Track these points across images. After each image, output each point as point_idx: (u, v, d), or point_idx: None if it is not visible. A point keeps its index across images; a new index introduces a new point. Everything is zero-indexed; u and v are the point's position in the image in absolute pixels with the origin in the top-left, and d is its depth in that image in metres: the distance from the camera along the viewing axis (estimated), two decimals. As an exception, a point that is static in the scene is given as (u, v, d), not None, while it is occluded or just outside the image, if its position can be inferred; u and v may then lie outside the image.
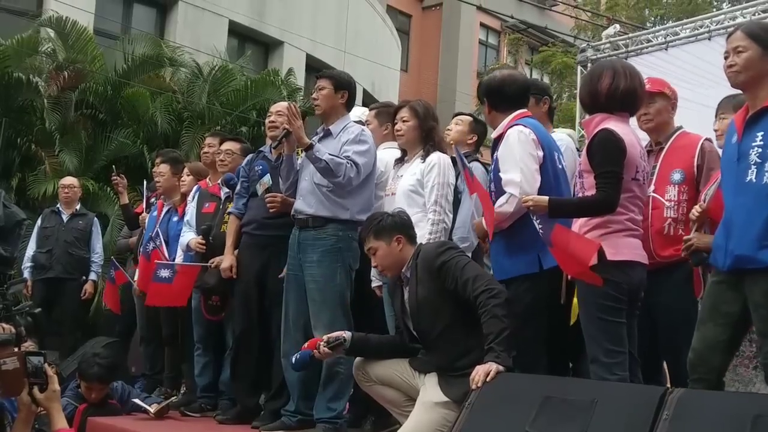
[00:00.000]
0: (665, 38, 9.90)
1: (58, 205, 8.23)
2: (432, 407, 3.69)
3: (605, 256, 3.44)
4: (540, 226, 3.53)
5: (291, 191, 4.80)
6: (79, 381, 5.53)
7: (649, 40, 10.15)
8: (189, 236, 5.77)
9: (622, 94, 3.62)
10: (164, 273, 5.63)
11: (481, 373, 3.39)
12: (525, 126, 3.88)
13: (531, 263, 3.77)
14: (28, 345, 6.56)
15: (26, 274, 7.90)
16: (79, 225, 8.21)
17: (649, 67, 8.98)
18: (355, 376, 4.13)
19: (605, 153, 3.51)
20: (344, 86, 4.76)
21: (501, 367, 3.39)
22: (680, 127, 4.36)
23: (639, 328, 3.72)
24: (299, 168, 4.78)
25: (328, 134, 4.72)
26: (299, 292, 4.61)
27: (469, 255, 4.60)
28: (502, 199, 3.83)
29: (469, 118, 5.41)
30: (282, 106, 5.14)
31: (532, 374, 3.48)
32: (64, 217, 8.15)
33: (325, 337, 4.01)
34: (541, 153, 3.84)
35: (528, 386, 3.28)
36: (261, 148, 5.33)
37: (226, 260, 5.20)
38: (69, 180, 8.48)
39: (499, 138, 3.96)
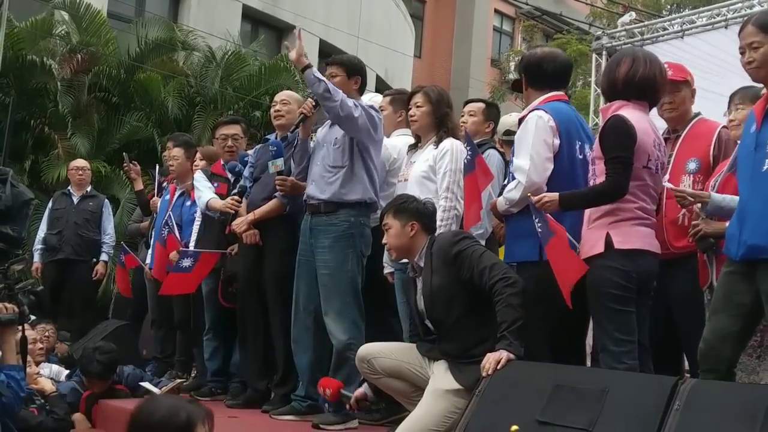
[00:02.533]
0: (681, 26, 9.85)
1: (69, 188, 8.23)
2: (442, 395, 3.68)
3: (613, 244, 3.43)
4: (539, 228, 3.53)
5: (302, 175, 4.80)
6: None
7: (665, 28, 10.10)
8: (208, 195, 5.61)
9: (639, 81, 3.58)
10: (186, 263, 5.54)
11: (492, 360, 3.38)
12: (546, 111, 3.81)
13: (532, 250, 3.74)
14: (47, 328, 6.65)
15: (37, 256, 7.94)
16: (89, 206, 8.21)
17: (664, 55, 8.85)
18: (359, 369, 4.07)
19: (614, 139, 3.49)
20: (357, 71, 4.74)
21: (512, 355, 3.38)
22: (698, 114, 4.30)
23: (654, 318, 3.70)
24: (312, 151, 4.77)
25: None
26: (310, 278, 4.61)
27: (483, 242, 4.59)
28: (510, 185, 3.82)
29: (482, 105, 5.36)
30: (286, 94, 5.15)
31: (543, 363, 3.46)
32: (75, 199, 8.16)
33: (352, 400, 4.06)
34: (557, 141, 3.78)
35: (538, 375, 3.27)
36: (267, 136, 5.32)
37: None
38: (80, 162, 8.50)
39: (523, 119, 3.93)
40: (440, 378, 3.75)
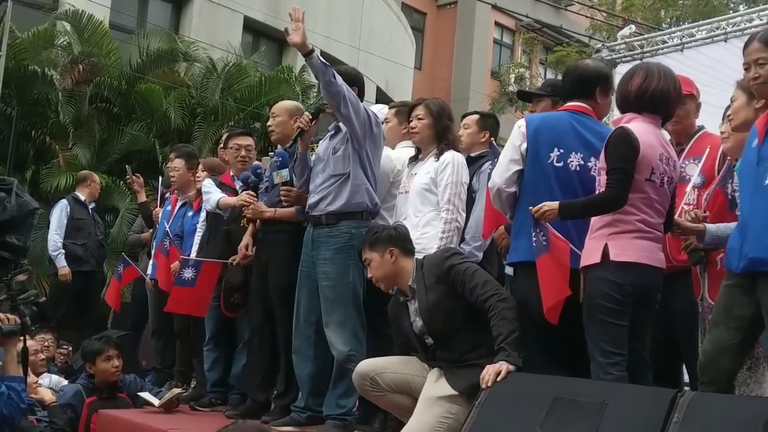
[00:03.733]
0: (681, 39, 9.85)
1: (82, 197, 8.22)
2: (434, 401, 3.69)
3: (609, 255, 3.44)
4: (535, 240, 3.55)
5: (304, 189, 4.81)
6: (93, 368, 5.54)
7: (664, 41, 10.10)
8: (218, 194, 5.65)
9: (652, 94, 3.57)
10: (187, 274, 5.52)
11: (491, 372, 3.39)
12: (525, 119, 3.92)
13: (528, 251, 3.73)
14: (46, 338, 6.66)
15: (62, 260, 7.89)
16: (98, 219, 8.34)
17: (664, 68, 8.93)
18: (359, 388, 4.04)
19: (616, 150, 3.50)
20: (354, 82, 4.74)
21: (511, 367, 3.40)
22: (702, 128, 4.31)
23: (654, 330, 3.71)
24: (312, 165, 4.78)
25: (338, 131, 4.72)
26: (311, 289, 4.62)
27: (480, 255, 4.61)
28: None
29: (475, 116, 5.37)
30: (275, 107, 5.22)
31: (542, 374, 3.46)
32: (90, 210, 8.22)
33: None
34: (524, 145, 3.81)
35: (538, 386, 3.28)
36: (276, 150, 5.32)
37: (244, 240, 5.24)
38: (96, 176, 8.55)
39: None
40: (432, 385, 3.77)
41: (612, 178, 3.48)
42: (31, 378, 5.07)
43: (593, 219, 3.61)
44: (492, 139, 5.23)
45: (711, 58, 8.94)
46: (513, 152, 3.83)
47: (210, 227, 5.80)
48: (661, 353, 3.77)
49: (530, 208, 3.62)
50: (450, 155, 4.53)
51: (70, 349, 7.60)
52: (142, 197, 7.89)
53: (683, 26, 12.06)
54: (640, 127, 3.54)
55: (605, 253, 3.45)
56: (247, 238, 5.26)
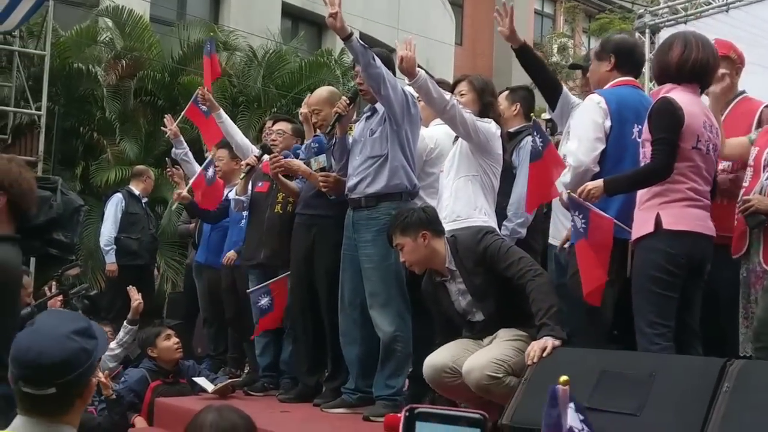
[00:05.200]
0: (725, 0, 9.62)
1: (137, 192, 8.35)
2: (506, 338, 3.73)
3: (662, 224, 3.39)
4: (576, 224, 3.52)
5: (343, 172, 4.83)
6: (154, 351, 5.68)
7: (709, 2, 9.88)
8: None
9: (692, 65, 3.55)
10: (264, 301, 5.52)
11: (536, 348, 3.38)
12: (600, 95, 3.86)
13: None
14: (106, 330, 6.81)
15: (111, 256, 8.01)
16: (151, 213, 8.46)
17: (709, 30, 8.72)
18: (436, 383, 3.94)
19: (660, 120, 3.48)
20: (386, 65, 4.73)
21: (557, 341, 3.38)
22: (743, 92, 4.23)
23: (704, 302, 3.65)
24: (351, 146, 4.79)
25: (374, 112, 4.72)
26: (355, 272, 4.64)
27: (524, 231, 4.59)
28: (564, 171, 3.84)
29: (504, 92, 5.30)
30: (314, 101, 5.23)
31: (588, 348, 3.44)
32: (144, 205, 8.35)
33: None
34: (608, 123, 3.79)
35: (584, 360, 3.25)
36: (317, 135, 5.34)
37: None
38: (150, 171, 8.67)
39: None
40: (503, 333, 3.80)
41: (657, 149, 3.44)
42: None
43: (640, 191, 3.57)
44: (523, 110, 5.16)
45: (757, 17, 8.74)
46: (597, 130, 3.79)
47: (251, 215, 5.87)
48: (708, 324, 3.70)
49: (569, 192, 3.59)
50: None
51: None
52: (183, 188, 8.00)
53: (728, -14, 11.74)
54: (682, 96, 3.51)
55: (658, 222, 3.42)
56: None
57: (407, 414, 1.73)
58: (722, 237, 3.73)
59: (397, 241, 4.00)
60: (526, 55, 4.31)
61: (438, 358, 3.91)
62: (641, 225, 3.49)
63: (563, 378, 2.90)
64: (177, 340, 5.76)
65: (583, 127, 3.81)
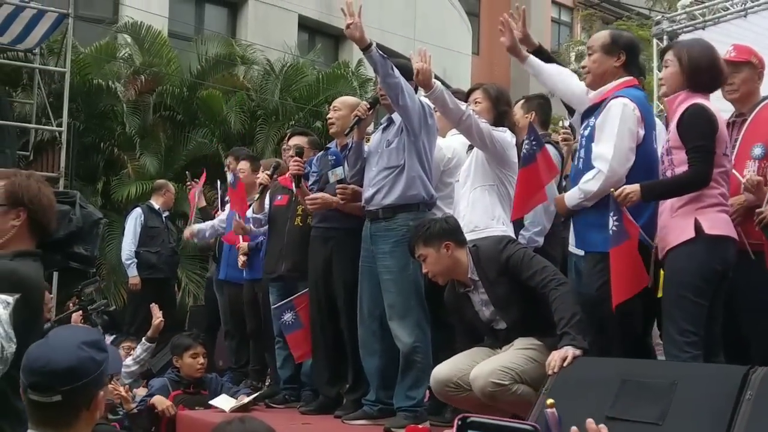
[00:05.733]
0: (743, 5, 9.56)
1: (156, 206, 8.40)
2: (521, 348, 3.72)
3: (703, 229, 3.38)
4: (614, 226, 3.48)
5: (357, 178, 4.84)
6: (179, 361, 5.73)
7: (726, 8, 9.81)
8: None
9: (719, 72, 3.61)
10: (287, 316, 5.45)
11: (557, 358, 3.36)
12: (631, 100, 3.74)
13: (606, 242, 3.69)
14: (131, 345, 6.86)
15: (133, 269, 8.07)
16: (172, 227, 8.51)
17: (727, 35, 8.69)
18: (442, 395, 3.97)
19: (697, 128, 3.46)
20: (406, 77, 4.74)
21: (577, 351, 3.36)
22: (766, 97, 4.20)
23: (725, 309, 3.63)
24: (367, 157, 4.80)
25: (391, 123, 4.73)
26: (373, 283, 4.64)
27: (541, 240, 4.57)
28: (588, 175, 3.73)
29: (519, 102, 5.29)
30: (338, 101, 5.25)
31: (609, 357, 3.42)
32: (164, 219, 8.40)
33: None
34: (642, 132, 3.73)
35: (605, 370, 3.23)
36: (329, 145, 5.37)
37: None
38: (172, 186, 8.73)
39: (598, 104, 3.83)
40: (518, 342, 3.79)
41: (695, 156, 3.43)
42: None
43: (669, 201, 3.55)
44: (539, 118, 5.13)
45: (776, 21, 8.67)
46: (632, 139, 3.70)
47: (270, 230, 5.89)
48: (731, 330, 3.67)
49: (612, 190, 3.55)
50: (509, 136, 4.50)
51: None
52: (202, 202, 8.05)
53: (746, -9, 11.67)
54: (707, 103, 3.51)
55: (698, 227, 3.40)
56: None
57: (459, 423, 1.73)
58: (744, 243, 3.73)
59: (420, 252, 3.99)
60: (541, 58, 4.25)
61: (443, 370, 3.91)
62: (679, 231, 3.46)
63: (549, 401, 2.91)
64: (203, 361, 5.79)
65: (620, 136, 3.67)
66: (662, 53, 3.82)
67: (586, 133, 3.85)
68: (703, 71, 3.58)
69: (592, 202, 3.72)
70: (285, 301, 5.50)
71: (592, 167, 3.73)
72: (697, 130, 3.44)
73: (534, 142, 4.08)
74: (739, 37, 8.55)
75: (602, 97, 3.83)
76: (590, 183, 3.70)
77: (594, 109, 3.85)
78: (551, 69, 4.14)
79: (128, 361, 6.16)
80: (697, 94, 3.56)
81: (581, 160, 3.85)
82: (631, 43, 3.97)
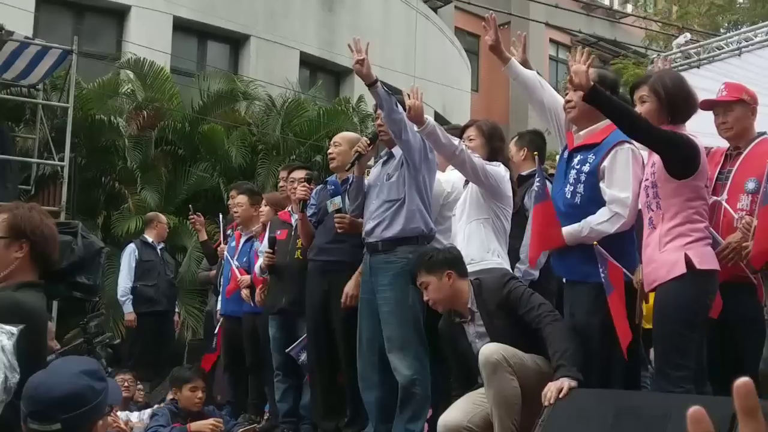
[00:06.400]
0: (738, 44, 9.71)
1: (150, 239, 8.45)
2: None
3: (694, 265, 3.42)
4: (604, 278, 3.55)
5: (357, 212, 4.90)
6: (178, 393, 5.74)
7: (721, 47, 9.97)
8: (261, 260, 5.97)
9: (696, 104, 3.68)
10: (303, 357, 5.50)
11: (553, 389, 3.40)
12: (636, 147, 3.81)
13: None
14: (125, 378, 6.86)
15: (129, 306, 8.12)
16: (168, 258, 8.55)
17: (722, 74, 8.81)
18: None
19: (677, 137, 3.52)
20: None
21: (573, 383, 3.40)
22: (763, 133, 4.25)
23: (716, 341, 3.67)
24: (367, 190, 4.87)
25: (391, 157, 4.81)
26: (373, 315, 4.68)
27: (537, 274, 4.62)
28: (602, 216, 3.73)
29: (515, 137, 5.35)
30: (338, 136, 5.33)
31: (604, 389, 3.46)
32: (158, 251, 8.44)
33: None
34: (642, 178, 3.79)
35: (600, 401, 3.27)
36: (328, 179, 5.44)
37: None
38: (163, 217, 8.78)
39: (593, 144, 3.86)
40: None
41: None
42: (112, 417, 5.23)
43: (655, 235, 3.56)
44: (536, 154, 5.17)
45: (769, 60, 8.80)
46: (638, 186, 3.74)
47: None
48: (724, 363, 3.71)
49: (595, 244, 3.63)
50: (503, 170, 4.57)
51: (141, 387, 7.77)
52: (203, 236, 8.10)
53: (740, 30, 11.85)
54: (690, 134, 3.57)
55: (689, 262, 3.43)
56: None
57: None
58: (738, 275, 3.78)
59: (422, 280, 4.04)
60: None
61: (451, 417, 3.91)
62: (669, 267, 3.48)
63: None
64: (202, 396, 5.83)
65: (635, 182, 3.73)
66: (633, 89, 3.87)
67: (586, 169, 3.84)
68: (681, 102, 3.65)
69: (592, 241, 3.73)
70: (299, 341, 5.53)
71: (595, 204, 3.77)
72: (677, 137, 3.52)
73: (539, 180, 4.00)
74: (734, 75, 8.67)
75: (597, 138, 3.86)
76: (605, 225, 3.72)
77: (590, 147, 3.87)
78: (530, 75, 4.21)
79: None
80: (677, 125, 3.62)
81: (579, 195, 3.83)
82: (615, 83, 4.07)
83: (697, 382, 3.46)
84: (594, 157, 3.84)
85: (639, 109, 3.72)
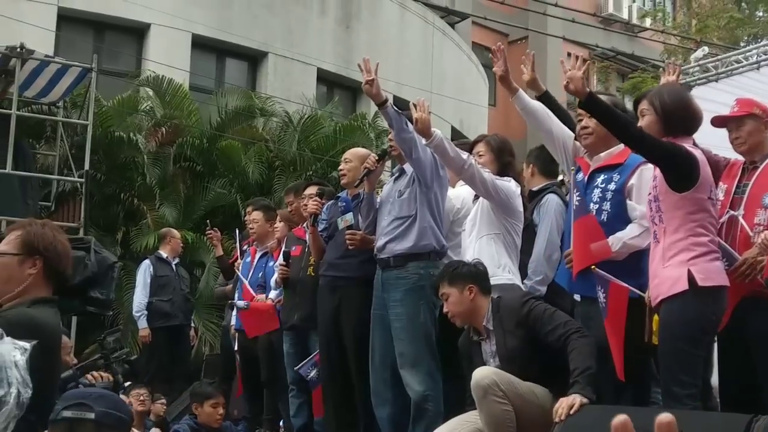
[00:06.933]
0: (757, 57, 9.64)
1: (164, 255, 8.51)
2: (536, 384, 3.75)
3: (697, 281, 3.39)
4: (601, 295, 3.55)
5: (370, 229, 4.91)
6: (199, 409, 5.76)
7: (739, 61, 9.90)
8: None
9: (696, 117, 3.65)
10: (312, 374, 5.51)
11: (564, 405, 3.39)
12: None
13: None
14: (141, 393, 6.90)
15: (143, 321, 8.17)
16: (183, 273, 8.60)
17: (740, 88, 8.76)
18: None
19: (673, 147, 3.52)
20: None
21: (585, 400, 3.38)
22: None
23: (730, 356, 3.64)
24: (379, 206, 4.88)
25: (402, 173, 4.82)
26: (385, 331, 4.69)
27: (544, 289, 4.60)
28: (634, 230, 3.80)
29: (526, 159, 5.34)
30: (349, 152, 5.36)
31: (615, 405, 3.44)
32: (173, 266, 8.49)
33: None
34: None
35: (611, 417, 3.22)
36: (339, 194, 5.47)
37: None
38: (176, 232, 8.85)
39: (620, 163, 3.92)
40: None
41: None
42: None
43: (659, 248, 3.57)
44: (538, 169, 5.13)
45: (790, 74, 8.74)
46: None
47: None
48: (738, 379, 3.68)
49: (593, 268, 3.63)
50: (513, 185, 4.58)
51: (164, 401, 7.81)
52: (219, 251, 8.14)
53: (759, 44, 11.78)
54: (690, 146, 3.57)
55: (691, 279, 3.40)
56: None
57: None
58: (756, 290, 3.75)
59: (443, 291, 4.04)
60: (548, 104, 4.35)
61: None
62: (671, 283, 3.47)
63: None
64: (223, 412, 5.86)
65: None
66: (636, 104, 3.88)
67: (612, 187, 3.91)
68: (677, 115, 3.65)
69: (624, 256, 3.78)
70: (308, 359, 5.55)
71: (621, 222, 3.81)
72: (673, 147, 3.53)
73: (577, 194, 3.99)
74: (752, 89, 8.61)
75: (619, 159, 3.94)
76: (637, 240, 3.78)
77: (613, 168, 3.94)
78: (537, 106, 4.23)
79: None
80: (679, 138, 3.62)
81: (606, 213, 3.88)
82: (627, 110, 4.09)
83: (705, 397, 3.43)
84: (619, 176, 3.90)
85: (640, 123, 3.74)
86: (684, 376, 3.38)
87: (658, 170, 3.60)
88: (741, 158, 4.19)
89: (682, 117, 3.66)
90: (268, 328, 6.13)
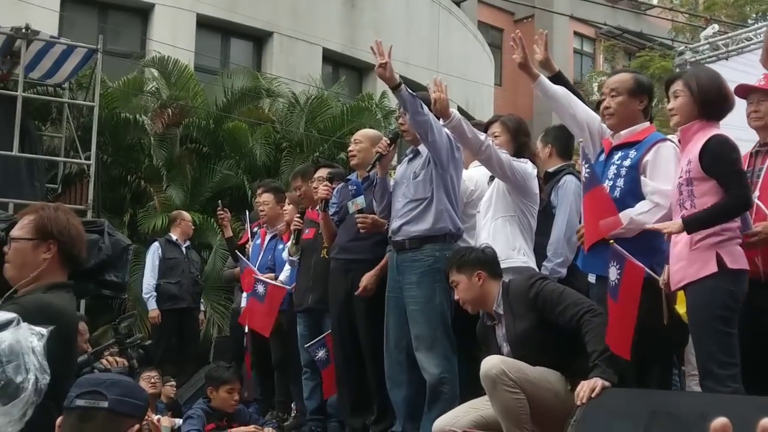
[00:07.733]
0: (767, 35, 9.54)
1: (174, 237, 8.49)
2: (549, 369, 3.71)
3: (726, 264, 3.38)
4: (614, 271, 3.50)
5: (385, 213, 4.86)
6: (214, 393, 5.74)
7: (750, 39, 9.81)
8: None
9: (729, 102, 3.62)
10: (320, 354, 5.53)
11: (586, 388, 3.36)
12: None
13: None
14: (152, 375, 6.89)
15: (153, 303, 8.17)
16: (194, 256, 8.58)
17: (751, 66, 8.65)
18: None
19: (726, 156, 3.50)
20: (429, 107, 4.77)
21: (607, 383, 3.35)
22: None
23: (751, 338, 3.60)
24: (393, 188, 4.83)
25: (417, 154, 4.77)
26: (400, 314, 4.65)
27: (564, 271, 4.55)
28: (643, 207, 3.72)
29: (540, 136, 5.27)
30: (359, 134, 5.29)
31: (638, 389, 3.40)
32: (183, 249, 8.47)
33: None
34: None
35: (634, 401, 3.22)
36: (349, 178, 5.42)
37: None
38: (187, 215, 8.82)
39: (638, 140, 3.86)
40: None
41: (735, 181, 3.46)
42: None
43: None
44: (556, 150, 5.08)
45: (800, 51, 8.64)
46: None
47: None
48: (754, 360, 3.64)
49: (611, 243, 3.55)
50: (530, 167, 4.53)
51: (174, 384, 7.80)
52: (228, 232, 8.10)
53: (769, 21, 11.68)
54: (725, 133, 3.54)
55: (720, 262, 3.40)
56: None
57: None
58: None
59: (453, 278, 4.02)
60: (561, 84, 4.28)
61: (440, 420, 3.97)
62: (701, 265, 3.45)
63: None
64: (238, 397, 5.85)
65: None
66: (668, 84, 3.82)
67: (627, 163, 3.85)
68: (714, 100, 3.61)
69: (634, 233, 3.70)
70: (318, 338, 5.52)
71: (634, 198, 3.75)
72: (727, 159, 3.48)
73: (587, 167, 3.94)
74: (762, 68, 8.52)
75: (638, 137, 3.88)
76: (646, 216, 3.70)
77: (631, 145, 3.87)
78: (560, 91, 4.17)
79: None
80: (711, 123, 3.59)
81: (619, 189, 3.82)
82: (651, 87, 4.06)
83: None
84: (636, 152, 3.85)
85: (672, 104, 3.68)
86: (724, 356, 3.35)
87: (692, 155, 3.54)
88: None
89: (718, 101, 3.61)
90: (259, 328, 6.16)
